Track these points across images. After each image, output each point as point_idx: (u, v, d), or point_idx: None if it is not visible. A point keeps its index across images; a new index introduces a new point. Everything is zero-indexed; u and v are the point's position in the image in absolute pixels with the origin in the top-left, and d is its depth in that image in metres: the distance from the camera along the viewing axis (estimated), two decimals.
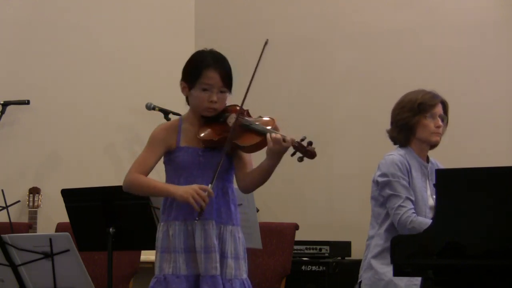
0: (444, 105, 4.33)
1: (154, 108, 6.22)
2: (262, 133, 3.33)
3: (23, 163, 6.10)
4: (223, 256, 3.41)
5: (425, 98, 4.27)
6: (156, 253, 3.47)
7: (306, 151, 3.24)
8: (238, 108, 3.42)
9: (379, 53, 6.16)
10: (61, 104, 6.22)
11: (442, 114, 4.31)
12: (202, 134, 3.42)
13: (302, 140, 3.25)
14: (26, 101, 5.96)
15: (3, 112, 5.88)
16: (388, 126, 4.40)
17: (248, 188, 3.49)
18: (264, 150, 3.34)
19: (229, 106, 3.48)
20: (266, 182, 3.43)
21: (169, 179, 3.49)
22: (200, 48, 3.55)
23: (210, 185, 3.32)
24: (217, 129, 3.40)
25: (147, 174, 3.47)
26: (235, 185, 3.53)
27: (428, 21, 5.99)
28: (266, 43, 3.36)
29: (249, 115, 3.45)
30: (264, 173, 3.39)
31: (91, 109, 6.34)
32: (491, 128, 5.73)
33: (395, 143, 4.37)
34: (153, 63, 6.62)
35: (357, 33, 6.24)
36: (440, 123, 4.28)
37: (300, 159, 3.27)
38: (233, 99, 3.51)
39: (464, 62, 5.85)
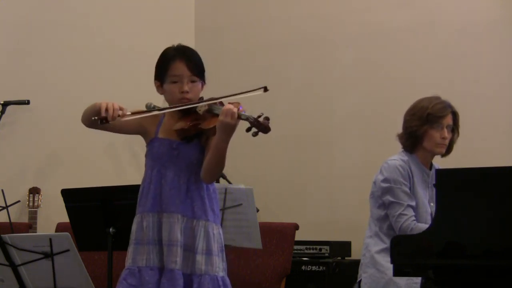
0: (455, 116, 4.33)
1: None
2: None
3: (23, 163, 6.10)
4: (192, 251, 3.39)
5: (435, 108, 4.27)
6: (130, 245, 3.45)
7: (259, 124, 3.18)
8: (215, 100, 3.40)
9: (380, 52, 6.16)
10: (61, 104, 6.21)
11: (451, 125, 4.31)
12: (175, 126, 3.45)
13: (259, 116, 3.21)
14: (26, 101, 5.96)
15: (3, 112, 5.88)
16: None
17: (204, 174, 3.39)
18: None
19: (206, 99, 3.46)
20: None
21: (145, 172, 3.49)
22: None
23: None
24: (188, 118, 3.42)
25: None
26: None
27: (428, 21, 5.98)
28: (264, 89, 3.35)
29: (222, 105, 3.41)
30: (214, 152, 3.31)
31: None
32: (491, 128, 5.72)
33: (403, 148, 4.38)
34: (153, 63, 6.58)
35: (358, 32, 6.24)
36: (446, 134, 4.28)
37: (255, 134, 3.21)
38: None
39: (464, 62, 5.85)
